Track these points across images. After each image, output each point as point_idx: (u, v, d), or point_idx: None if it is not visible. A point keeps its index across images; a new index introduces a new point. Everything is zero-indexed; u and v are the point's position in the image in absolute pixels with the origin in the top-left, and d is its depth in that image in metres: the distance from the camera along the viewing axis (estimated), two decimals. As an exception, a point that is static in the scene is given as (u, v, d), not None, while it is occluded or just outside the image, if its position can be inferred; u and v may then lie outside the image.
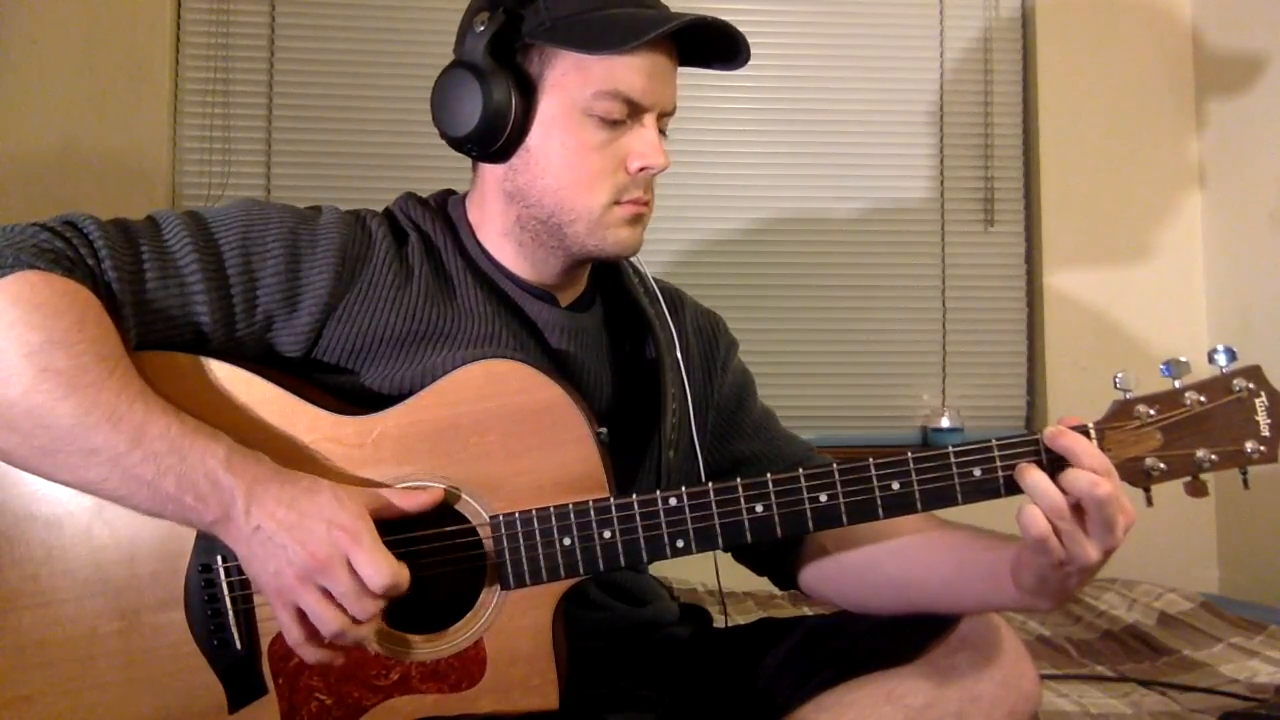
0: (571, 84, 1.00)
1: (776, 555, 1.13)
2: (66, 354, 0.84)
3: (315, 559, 0.84)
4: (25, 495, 0.91)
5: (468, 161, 1.11)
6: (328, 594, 0.85)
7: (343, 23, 2.41)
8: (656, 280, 1.19)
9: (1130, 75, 2.54)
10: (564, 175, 1.01)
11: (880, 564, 1.05)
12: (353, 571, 0.84)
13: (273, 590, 0.86)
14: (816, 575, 1.11)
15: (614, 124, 1.01)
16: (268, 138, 2.39)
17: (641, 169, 1.01)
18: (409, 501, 0.90)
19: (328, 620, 0.84)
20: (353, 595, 0.84)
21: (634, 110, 1.01)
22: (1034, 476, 0.87)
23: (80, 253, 0.89)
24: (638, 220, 1.04)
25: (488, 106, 0.99)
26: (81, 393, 0.83)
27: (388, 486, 0.92)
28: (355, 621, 0.85)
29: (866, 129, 2.51)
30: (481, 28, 1.00)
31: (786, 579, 1.15)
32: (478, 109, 0.99)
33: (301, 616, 0.86)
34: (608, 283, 1.17)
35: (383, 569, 0.84)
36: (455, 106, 1.01)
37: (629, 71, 0.99)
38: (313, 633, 0.86)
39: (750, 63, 1.06)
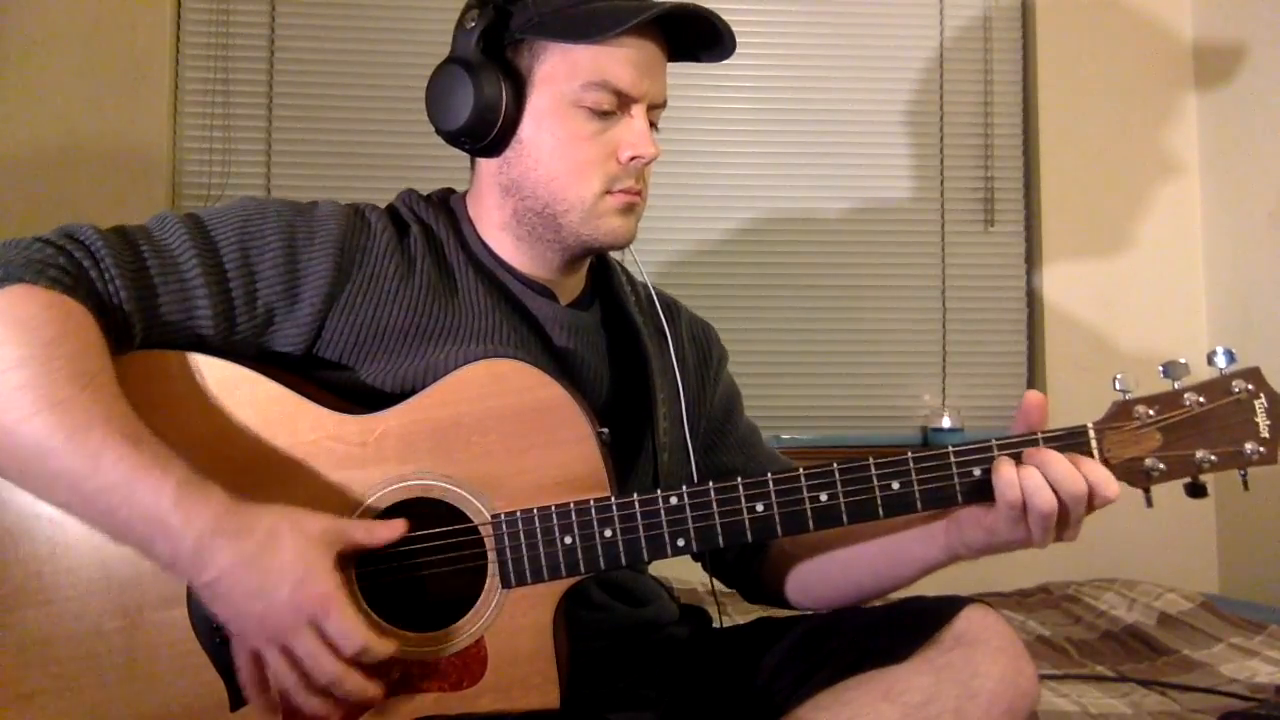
0: (560, 76, 1.02)
1: (741, 566, 1.18)
2: (39, 371, 0.82)
3: (280, 627, 0.83)
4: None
5: (468, 161, 1.12)
6: (290, 653, 0.85)
7: (343, 23, 2.41)
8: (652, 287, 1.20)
9: (1130, 75, 2.53)
10: (556, 166, 1.03)
11: (827, 546, 1.10)
12: (319, 635, 0.84)
13: (235, 632, 0.86)
14: (773, 578, 1.16)
15: (604, 115, 1.03)
16: (268, 138, 2.39)
17: (632, 158, 1.03)
18: (374, 538, 0.90)
19: (287, 680, 0.85)
20: (312, 659, 0.84)
21: (623, 101, 1.03)
22: (1005, 473, 0.91)
23: (79, 260, 0.89)
24: (630, 210, 1.06)
25: (479, 100, 1.01)
26: (47, 414, 0.81)
27: (352, 520, 0.91)
28: (313, 686, 0.85)
29: (866, 129, 2.51)
30: (472, 24, 1.03)
31: (752, 591, 1.20)
32: (469, 103, 1.01)
33: (259, 662, 0.86)
34: (602, 285, 1.18)
35: (353, 636, 0.84)
36: (447, 101, 1.03)
37: (616, 62, 1.02)
38: (266, 680, 0.87)
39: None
